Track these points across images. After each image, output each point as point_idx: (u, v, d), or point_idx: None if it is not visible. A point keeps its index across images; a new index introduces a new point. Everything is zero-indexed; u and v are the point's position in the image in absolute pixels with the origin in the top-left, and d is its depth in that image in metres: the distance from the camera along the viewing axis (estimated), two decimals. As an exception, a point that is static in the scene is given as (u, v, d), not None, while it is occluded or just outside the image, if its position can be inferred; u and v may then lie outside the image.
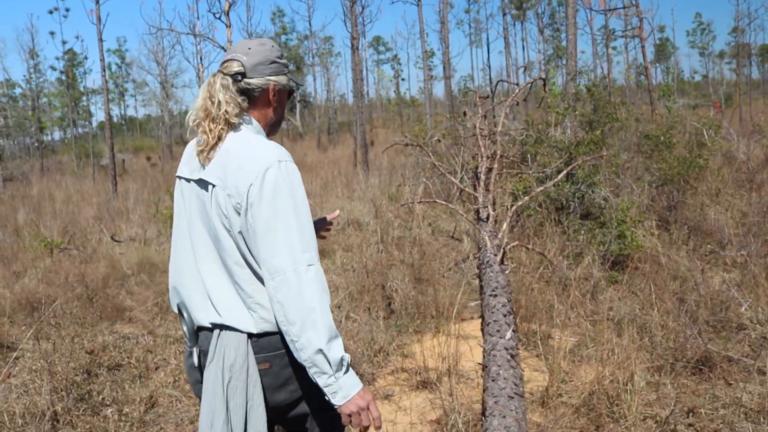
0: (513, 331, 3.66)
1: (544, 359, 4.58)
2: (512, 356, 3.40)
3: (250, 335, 2.15)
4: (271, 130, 2.33)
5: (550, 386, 4.08)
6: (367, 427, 2.11)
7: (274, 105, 2.29)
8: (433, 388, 4.29)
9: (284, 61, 2.31)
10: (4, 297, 6.69)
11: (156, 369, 4.96)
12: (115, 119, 53.47)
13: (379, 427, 2.11)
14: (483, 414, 3.02)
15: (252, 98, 2.24)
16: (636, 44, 33.40)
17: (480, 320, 4.20)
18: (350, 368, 2.07)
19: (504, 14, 31.64)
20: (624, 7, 19.83)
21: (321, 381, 2.03)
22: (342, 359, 2.03)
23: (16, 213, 12.39)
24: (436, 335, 5.12)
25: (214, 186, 2.14)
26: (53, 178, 21.36)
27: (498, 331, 3.64)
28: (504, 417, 2.83)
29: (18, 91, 44.48)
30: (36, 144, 35.98)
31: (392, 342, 5.09)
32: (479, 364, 4.13)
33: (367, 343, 5.02)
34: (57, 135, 50.30)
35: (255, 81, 2.22)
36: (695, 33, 54.07)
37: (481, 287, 4.41)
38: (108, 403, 4.33)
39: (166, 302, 6.47)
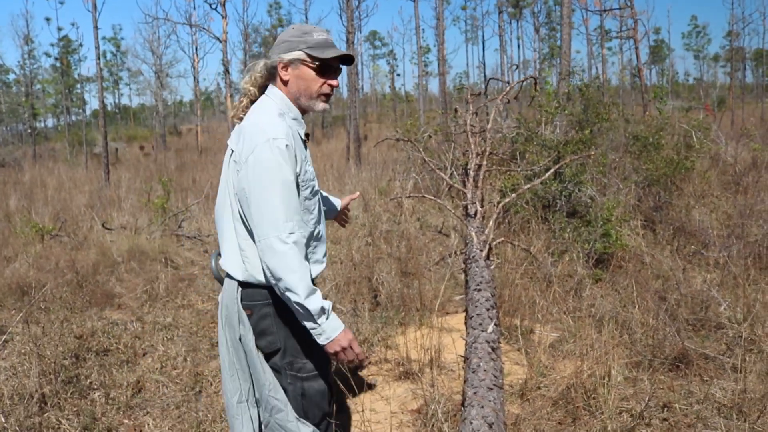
0: (495, 324, 3.74)
1: (524, 353, 4.66)
2: (493, 349, 3.47)
3: (239, 282, 2.60)
4: (303, 102, 2.64)
5: (529, 379, 4.16)
6: (351, 361, 2.52)
7: (286, 79, 2.61)
8: (415, 378, 4.37)
9: (302, 38, 2.58)
10: (-6, 281, 6.75)
11: (143, 355, 5.02)
12: (109, 107, 53.32)
13: (362, 361, 2.54)
14: (462, 404, 3.10)
15: (273, 75, 2.65)
16: (631, 45, 33.48)
17: (464, 314, 4.28)
18: (331, 314, 2.46)
19: (500, 12, 31.70)
20: (619, 8, 19.91)
21: (307, 326, 2.44)
22: (322, 308, 2.40)
23: (8, 199, 12.40)
24: (420, 328, 5.19)
25: (232, 151, 2.59)
26: (45, 165, 21.32)
27: (480, 324, 3.72)
28: (482, 407, 2.90)
29: (12, 77, 44.35)
30: (29, 130, 35.89)
31: (377, 333, 5.16)
32: (461, 356, 4.21)
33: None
34: (50, 122, 50.20)
35: (270, 60, 2.63)
36: (690, 36, 54.28)
37: (467, 282, 4.48)
38: (95, 387, 4.40)
39: (155, 289, 6.54)
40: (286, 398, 2.64)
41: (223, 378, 2.73)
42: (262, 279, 2.52)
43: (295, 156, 2.49)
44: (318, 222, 2.68)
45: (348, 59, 2.66)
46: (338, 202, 3.32)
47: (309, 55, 2.57)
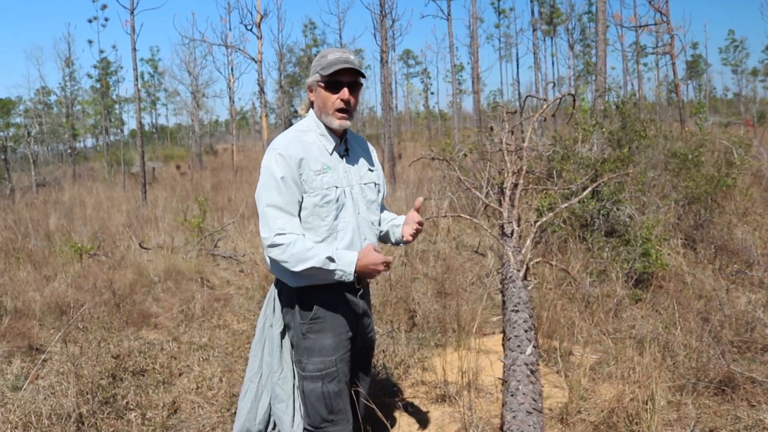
0: (534, 346, 3.67)
1: (564, 376, 4.56)
2: (532, 372, 3.40)
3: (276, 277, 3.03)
4: (324, 119, 2.88)
5: (569, 403, 4.07)
6: (387, 267, 2.75)
7: (313, 100, 2.93)
8: (453, 401, 4.30)
9: (319, 62, 2.84)
10: (34, 300, 6.82)
11: (179, 375, 5.02)
12: (146, 127, 54.10)
13: (389, 264, 2.75)
14: (501, 429, 3.03)
15: None
16: (667, 61, 33.14)
17: (501, 335, 4.21)
18: (339, 253, 2.70)
19: (534, 29, 31.58)
20: (655, 24, 19.69)
21: (335, 278, 2.73)
22: (326, 259, 2.67)
23: (48, 218, 12.59)
24: (457, 349, 5.12)
25: None
26: (85, 185, 21.66)
27: (519, 346, 3.65)
28: (522, 432, 2.83)
29: (53, 98, 45.33)
30: (69, 150, 36.58)
31: (413, 355, 5.10)
32: (499, 378, 4.14)
33: (388, 355, 5.05)
34: (89, 142, 51.18)
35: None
36: (728, 50, 53.57)
37: (504, 302, 4.42)
38: (132, 407, 4.40)
39: (191, 309, 6.56)
40: (292, 393, 2.92)
41: (250, 354, 3.09)
42: (282, 277, 2.89)
43: (300, 163, 2.76)
44: (334, 230, 2.84)
45: (352, 71, 2.81)
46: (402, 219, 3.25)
47: (320, 75, 2.81)
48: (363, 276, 2.79)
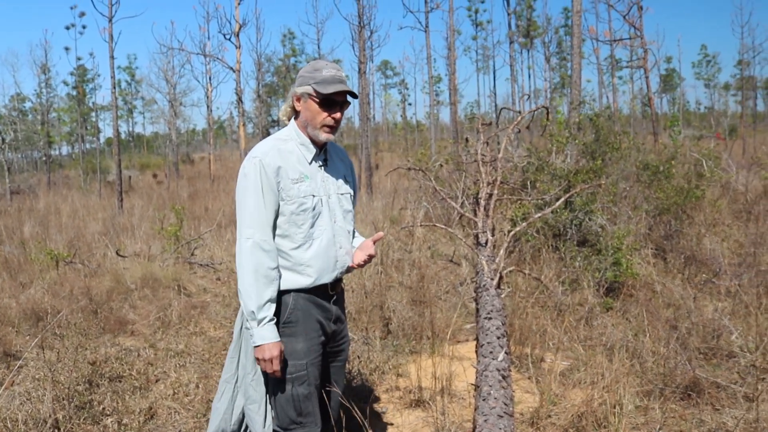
0: (506, 353, 3.75)
1: (535, 381, 4.66)
2: (504, 377, 3.48)
3: None
4: (310, 131, 2.89)
5: (540, 407, 4.16)
6: (272, 373, 2.76)
7: (298, 110, 2.91)
8: (426, 406, 4.38)
9: (312, 74, 2.84)
10: (10, 307, 6.80)
11: (156, 381, 5.04)
12: (122, 136, 53.71)
13: (278, 376, 2.80)
14: (473, 432, 3.10)
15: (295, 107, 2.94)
16: (641, 74, 33.54)
17: (475, 342, 4.29)
18: (267, 325, 2.73)
19: (511, 42, 31.77)
20: (629, 38, 19.99)
21: (245, 324, 2.78)
22: (252, 312, 2.71)
23: (23, 226, 12.50)
24: (432, 356, 5.20)
25: None
26: (60, 193, 21.48)
27: (491, 352, 3.73)
28: (492, 435, 2.91)
29: (28, 105, 44.85)
30: (44, 158, 36.18)
31: (388, 361, 5.18)
32: (472, 384, 4.22)
33: (363, 361, 5.12)
34: (65, 150, 50.60)
35: (290, 93, 2.95)
36: (701, 65, 54.38)
37: (477, 310, 4.50)
38: (108, 413, 4.42)
39: (168, 316, 6.58)
40: (265, 395, 2.93)
41: (228, 356, 3.07)
42: None
43: (277, 171, 2.78)
44: (309, 238, 2.87)
45: (351, 94, 2.85)
46: (359, 242, 3.21)
47: (315, 90, 2.81)
48: (255, 354, 2.79)
